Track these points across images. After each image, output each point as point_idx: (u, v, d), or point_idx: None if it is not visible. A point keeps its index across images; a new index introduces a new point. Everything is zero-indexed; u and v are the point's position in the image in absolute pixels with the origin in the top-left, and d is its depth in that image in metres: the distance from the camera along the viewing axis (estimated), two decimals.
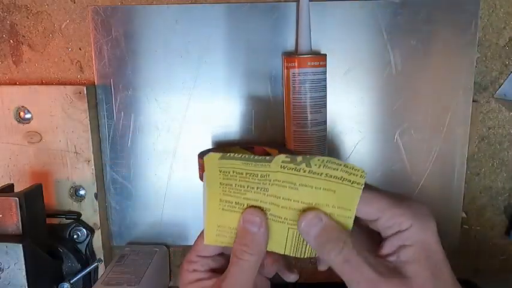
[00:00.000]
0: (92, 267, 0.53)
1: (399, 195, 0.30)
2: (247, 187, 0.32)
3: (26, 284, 0.44)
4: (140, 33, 0.52)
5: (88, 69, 0.54)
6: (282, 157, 0.31)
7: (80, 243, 0.54)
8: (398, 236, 0.28)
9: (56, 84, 0.54)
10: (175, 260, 0.59)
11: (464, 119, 0.52)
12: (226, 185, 0.32)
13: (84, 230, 0.54)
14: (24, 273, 0.44)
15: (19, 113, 0.53)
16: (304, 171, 0.30)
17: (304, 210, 0.30)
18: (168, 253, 0.58)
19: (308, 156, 0.30)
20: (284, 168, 0.30)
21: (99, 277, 0.54)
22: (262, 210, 0.31)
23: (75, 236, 0.54)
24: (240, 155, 0.32)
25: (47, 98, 0.52)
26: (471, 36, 0.50)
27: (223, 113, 0.54)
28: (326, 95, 0.49)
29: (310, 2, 0.50)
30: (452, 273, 0.29)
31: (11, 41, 0.54)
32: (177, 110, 0.54)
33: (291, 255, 0.32)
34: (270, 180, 0.31)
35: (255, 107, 0.53)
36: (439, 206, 0.54)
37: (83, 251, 0.54)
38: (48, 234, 0.51)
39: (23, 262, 0.44)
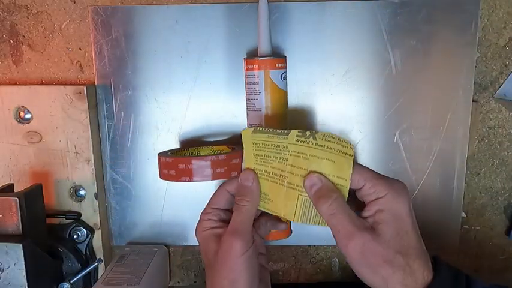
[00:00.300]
0: (92, 267, 0.53)
1: (385, 175, 0.37)
2: (273, 157, 0.39)
3: (26, 284, 0.44)
4: (140, 33, 0.52)
5: (88, 69, 0.54)
6: (295, 132, 0.37)
7: (80, 243, 0.54)
8: (376, 201, 0.35)
9: (56, 84, 0.54)
10: (175, 260, 0.60)
11: (464, 119, 0.52)
12: (258, 155, 0.40)
13: (84, 230, 0.54)
14: (24, 273, 0.44)
15: (19, 113, 0.53)
16: (312, 144, 0.36)
17: (310, 172, 0.37)
18: (168, 253, 0.58)
19: (314, 131, 0.37)
20: (298, 142, 0.37)
21: (99, 277, 0.54)
22: (281, 177, 0.38)
23: (75, 236, 0.54)
24: (266, 129, 0.39)
25: (47, 98, 0.52)
26: (471, 36, 0.50)
27: (223, 113, 0.54)
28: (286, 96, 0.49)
29: (312, 2, 0.50)
30: (421, 244, 0.35)
31: (11, 41, 0.54)
32: (177, 110, 0.54)
33: (299, 221, 0.38)
34: (289, 151, 0.38)
35: None
36: (439, 206, 0.54)
37: (83, 251, 0.54)
38: (48, 234, 0.51)
39: (23, 262, 0.44)
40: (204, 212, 0.43)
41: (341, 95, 0.53)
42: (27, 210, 0.46)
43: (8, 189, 0.49)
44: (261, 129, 0.39)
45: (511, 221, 0.57)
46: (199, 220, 0.42)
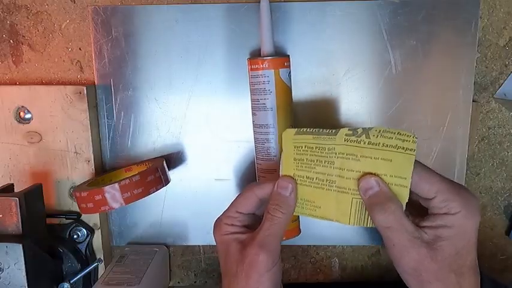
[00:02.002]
0: (91, 267, 0.53)
1: (456, 183, 0.34)
2: (317, 161, 0.36)
3: (26, 284, 0.44)
4: (140, 33, 0.52)
5: (88, 69, 0.54)
6: (345, 130, 0.34)
7: (80, 243, 0.54)
8: (445, 217, 0.33)
9: (56, 84, 0.54)
10: (175, 260, 0.60)
11: (464, 119, 0.52)
12: (299, 160, 0.36)
13: (84, 230, 0.54)
14: (24, 273, 0.44)
15: (19, 113, 0.53)
16: (364, 143, 0.33)
17: (368, 173, 0.34)
18: (168, 253, 0.58)
19: (367, 127, 0.34)
20: (347, 141, 0.34)
21: (99, 277, 0.54)
22: (328, 182, 0.36)
23: (75, 236, 0.54)
24: (311, 129, 0.36)
25: (47, 98, 0.52)
26: (471, 36, 0.50)
27: (223, 113, 0.54)
28: (291, 96, 0.49)
29: (312, 2, 0.50)
30: (475, 261, 0.33)
31: (11, 41, 0.54)
32: (177, 110, 0.54)
33: (355, 225, 0.35)
34: (336, 154, 0.35)
35: None
36: None
37: (83, 251, 0.54)
38: (48, 234, 0.51)
39: (23, 262, 0.44)
40: (226, 215, 0.39)
41: (341, 95, 0.53)
42: (27, 210, 0.46)
43: (8, 189, 0.49)
44: (305, 129, 0.37)
45: (511, 221, 0.57)
46: (220, 221, 0.39)
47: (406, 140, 0.32)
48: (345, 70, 0.52)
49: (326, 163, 0.35)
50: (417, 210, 0.35)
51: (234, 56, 0.52)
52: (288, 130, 0.37)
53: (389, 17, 0.50)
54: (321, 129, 0.36)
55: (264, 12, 0.47)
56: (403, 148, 0.32)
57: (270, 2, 0.50)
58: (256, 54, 0.51)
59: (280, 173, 0.38)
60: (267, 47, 0.47)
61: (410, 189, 0.33)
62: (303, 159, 0.36)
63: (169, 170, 0.53)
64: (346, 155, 0.34)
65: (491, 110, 0.54)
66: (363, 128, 0.34)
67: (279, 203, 0.37)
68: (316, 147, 0.36)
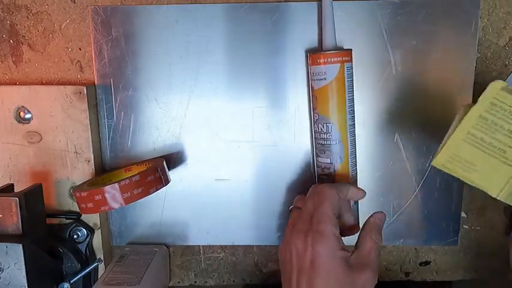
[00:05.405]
0: (91, 267, 0.53)
1: None
2: (500, 127, 0.34)
3: (26, 284, 0.44)
4: (140, 33, 0.52)
5: (88, 69, 0.54)
6: None
7: (80, 243, 0.54)
8: None
9: (56, 84, 0.54)
10: (175, 260, 0.60)
11: None
12: (484, 118, 0.35)
13: (84, 230, 0.54)
14: (24, 273, 0.44)
15: (19, 113, 0.53)
16: None
17: None
18: (168, 253, 0.58)
19: None
20: None
21: (99, 277, 0.54)
22: (500, 151, 0.34)
23: (75, 236, 0.54)
24: None
25: (47, 98, 0.52)
26: (471, 36, 0.50)
27: (223, 113, 0.54)
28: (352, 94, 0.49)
29: (312, 2, 0.50)
30: None
31: (11, 41, 0.54)
32: (177, 110, 0.54)
33: (503, 200, 0.35)
34: None
35: (254, 107, 0.53)
36: (439, 206, 0.54)
37: (83, 251, 0.54)
38: (48, 234, 0.51)
39: (23, 262, 0.44)
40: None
41: None
42: (27, 210, 0.46)
43: (8, 189, 0.49)
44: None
45: (511, 221, 0.57)
46: None
47: None
48: None
49: (509, 132, 0.34)
50: None
51: (234, 56, 0.52)
52: (498, 81, 0.34)
53: (389, 17, 0.50)
54: None
55: (327, 6, 0.47)
56: None
57: (268, 2, 0.50)
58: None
59: (455, 125, 0.36)
60: (331, 41, 0.48)
61: None
62: (488, 119, 0.35)
63: (169, 170, 0.53)
64: None
65: None
66: None
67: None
68: (509, 112, 0.34)
